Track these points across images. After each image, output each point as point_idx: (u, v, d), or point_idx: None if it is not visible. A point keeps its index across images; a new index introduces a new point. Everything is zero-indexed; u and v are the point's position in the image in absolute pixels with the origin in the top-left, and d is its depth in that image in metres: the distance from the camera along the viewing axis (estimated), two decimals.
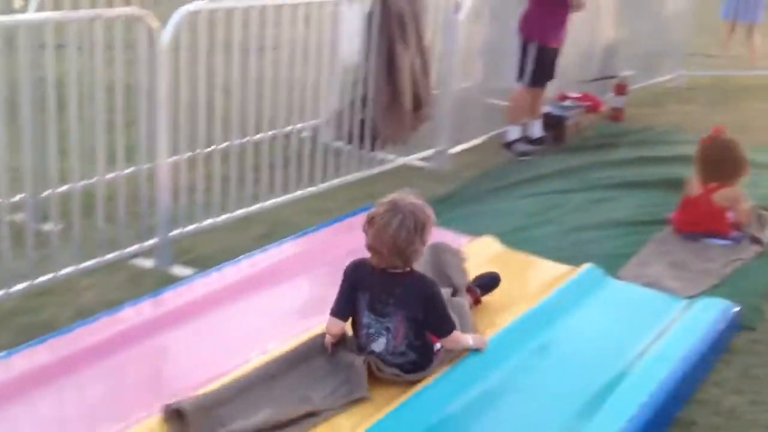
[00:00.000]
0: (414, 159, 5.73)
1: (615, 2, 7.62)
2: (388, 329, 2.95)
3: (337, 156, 5.03)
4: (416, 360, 2.97)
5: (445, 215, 4.92)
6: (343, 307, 3.00)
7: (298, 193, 4.79)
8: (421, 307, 2.91)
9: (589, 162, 6.16)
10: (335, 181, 5.00)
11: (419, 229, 2.89)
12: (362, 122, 4.99)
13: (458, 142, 5.94)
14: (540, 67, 6.02)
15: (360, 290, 2.98)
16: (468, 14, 5.49)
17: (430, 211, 2.96)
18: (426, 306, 2.92)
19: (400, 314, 2.92)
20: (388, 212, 2.89)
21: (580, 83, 7.42)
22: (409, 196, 2.97)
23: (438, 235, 3.60)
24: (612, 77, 7.58)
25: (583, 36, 7.29)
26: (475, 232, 4.39)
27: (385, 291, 2.94)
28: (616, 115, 7.46)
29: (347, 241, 4.01)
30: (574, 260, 4.20)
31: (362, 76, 4.96)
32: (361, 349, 2.98)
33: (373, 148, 5.09)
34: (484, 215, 4.98)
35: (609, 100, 7.55)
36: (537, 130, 6.44)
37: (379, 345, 2.96)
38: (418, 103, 5.05)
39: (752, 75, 9.74)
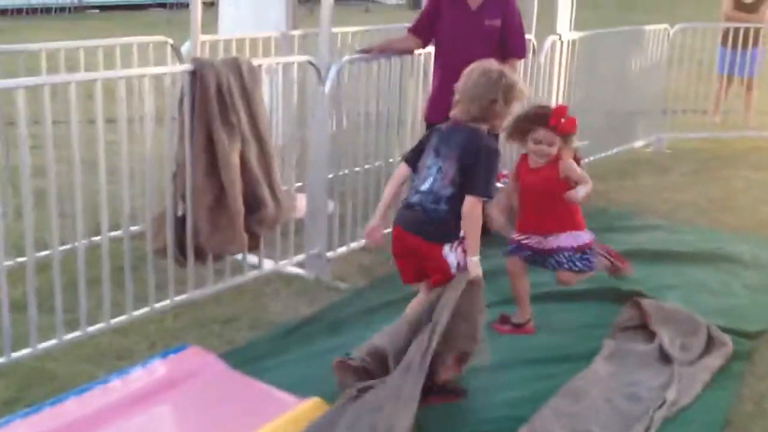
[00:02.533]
0: (284, 265, 4.50)
1: (566, 62, 6.41)
2: (440, 169, 3.29)
3: (153, 272, 3.80)
4: (443, 217, 3.27)
5: (291, 352, 3.73)
6: (413, 155, 3.46)
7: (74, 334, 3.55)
8: (473, 155, 3.24)
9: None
10: (139, 312, 3.77)
11: (503, 85, 3.29)
12: (182, 227, 3.79)
13: (343, 243, 4.71)
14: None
15: (433, 135, 3.41)
16: (335, 86, 4.31)
17: (522, 85, 3.44)
18: (477, 156, 3.24)
19: (455, 157, 3.26)
20: (478, 66, 3.41)
21: None
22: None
23: (258, 392, 3.31)
24: None
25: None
26: (315, 386, 3.27)
27: (452, 136, 3.34)
28: None
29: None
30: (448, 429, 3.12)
31: (177, 171, 3.77)
32: (412, 191, 3.38)
33: (201, 261, 3.88)
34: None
35: None
36: None
37: (427, 183, 3.32)
38: (256, 204, 3.85)
39: (746, 136, 8.46)
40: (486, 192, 3.27)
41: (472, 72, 3.39)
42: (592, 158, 6.90)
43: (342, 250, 4.69)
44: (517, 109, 3.48)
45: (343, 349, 3.75)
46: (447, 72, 4.79)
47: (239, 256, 4.14)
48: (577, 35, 6.47)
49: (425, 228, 3.33)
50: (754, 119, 8.87)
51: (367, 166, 4.90)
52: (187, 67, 3.66)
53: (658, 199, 6.43)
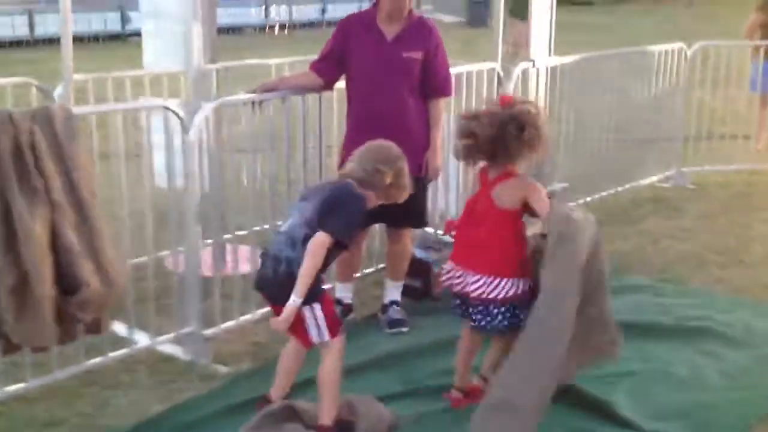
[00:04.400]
0: (156, 343, 3.80)
1: (545, 92, 5.55)
2: (300, 210, 3.19)
3: None
4: (295, 264, 3.05)
5: None
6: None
7: None
8: (336, 200, 3.13)
9: (443, 338, 4.06)
10: None
11: (397, 167, 3.24)
12: None
13: (229, 316, 3.98)
14: None
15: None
16: (201, 132, 3.61)
17: (409, 179, 3.32)
18: (340, 201, 3.14)
19: (318, 199, 3.16)
20: (384, 141, 3.35)
21: None
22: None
23: None
24: None
25: None
26: None
27: (325, 185, 3.35)
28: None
29: None
30: None
31: None
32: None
33: (4, 353, 3.21)
34: None
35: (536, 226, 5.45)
36: (393, 293, 4.35)
37: (287, 224, 3.22)
38: (75, 283, 3.17)
39: None
40: (339, 231, 3.07)
41: (377, 143, 3.32)
42: (586, 200, 6.02)
43: (230, 324, 3.96)
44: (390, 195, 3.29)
45: None
46: (361, 111, 4.08)
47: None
48: (558, 61, 5.61)
49: (277, 291, 3.11)
50: None
51: (260, 227, 4.17)
52: None
53: (655, 249, 5.48)
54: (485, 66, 5.09)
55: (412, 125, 4.05)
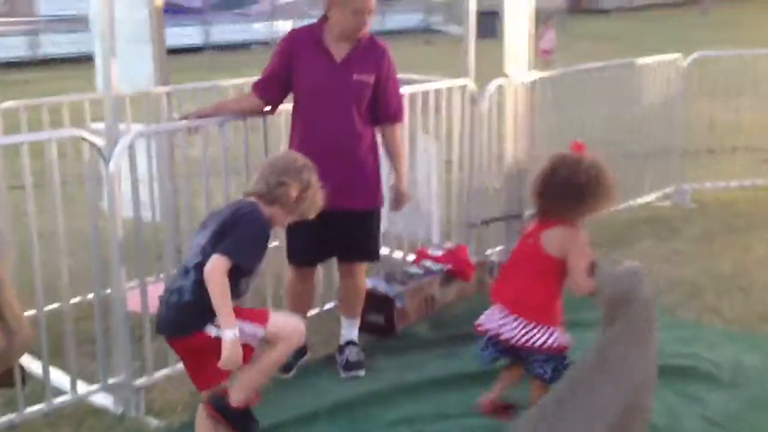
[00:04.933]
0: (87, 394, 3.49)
1: (527, 108, 5.19)
2: (199, 238, 2.95)
3: None
4: (187, 296, 2.85)
5: None
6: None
7: None
8: (234, 221, 2.90)
9: (402, 383, 3.71)
10: None
11: (303, 178, 3.02)
12: None
13: (165, 363, 3.65)
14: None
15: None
16: (124, 161, 3.30)
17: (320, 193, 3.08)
18: (238, 222, 2.90)
19: (215, 222, 2.94)
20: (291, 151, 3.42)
21: (469, 228, 5.02)
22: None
23: None
24: (515, 216, 5.11)
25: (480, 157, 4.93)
26: None
27: (226, 208, 3.05)
28: None
29: None
30: None
31: None
32: None
33: None
34: None
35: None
36: (349, 332, 3.99)
37: (189, 255, 2.98)
38: None
39: None
40: (233, 253, 2.81)
41: (280, 153, 3.25)
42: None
43: (165, 371, 3.63)
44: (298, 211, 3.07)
45: None
46: (307, 139, 3.71)
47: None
48: (537, 75, 5.25)
49: (166, 324, 2.93)
50: None
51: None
52: None
53: (647, 275, 5.08)
54: (457, 83, 4.76)
55: (362, 154, 3.72)
